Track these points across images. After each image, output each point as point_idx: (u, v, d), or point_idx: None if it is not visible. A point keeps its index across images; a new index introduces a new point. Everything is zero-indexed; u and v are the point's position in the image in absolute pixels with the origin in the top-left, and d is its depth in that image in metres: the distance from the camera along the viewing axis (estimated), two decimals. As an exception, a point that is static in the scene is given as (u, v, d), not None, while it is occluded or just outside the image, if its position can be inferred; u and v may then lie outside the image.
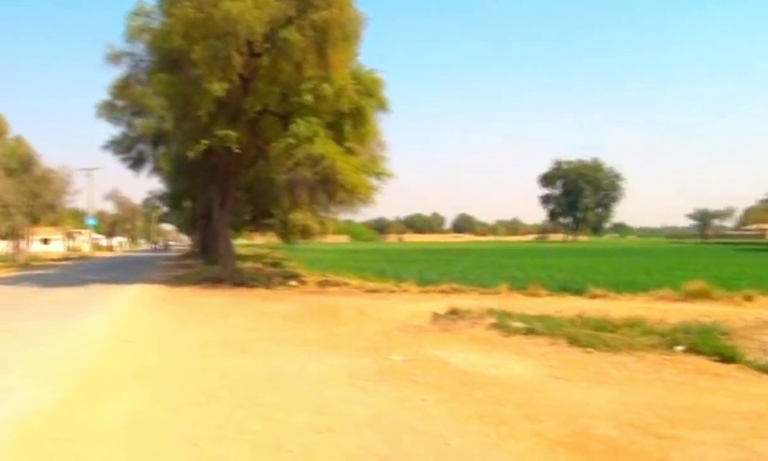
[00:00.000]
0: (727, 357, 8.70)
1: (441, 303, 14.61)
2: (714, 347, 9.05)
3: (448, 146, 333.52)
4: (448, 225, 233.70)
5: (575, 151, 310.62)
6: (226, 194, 28.15)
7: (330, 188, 23.57)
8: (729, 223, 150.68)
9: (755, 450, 5.13)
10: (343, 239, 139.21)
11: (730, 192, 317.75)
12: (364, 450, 5.18)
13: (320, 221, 42.40)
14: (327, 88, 22.63)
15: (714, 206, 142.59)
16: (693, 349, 9.15)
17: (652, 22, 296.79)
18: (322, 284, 23.53)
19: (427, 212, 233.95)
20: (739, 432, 5.61)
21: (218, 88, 21.49)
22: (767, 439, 5.42)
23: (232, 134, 22.94)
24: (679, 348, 9.31)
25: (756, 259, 39.82)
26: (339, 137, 23.82)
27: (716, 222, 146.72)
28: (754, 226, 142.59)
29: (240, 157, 25.28)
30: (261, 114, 25.43)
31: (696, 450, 5.16)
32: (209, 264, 32.04)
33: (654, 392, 7.22)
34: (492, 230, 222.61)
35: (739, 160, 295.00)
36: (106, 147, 38.84)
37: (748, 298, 15.88)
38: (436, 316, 12.95)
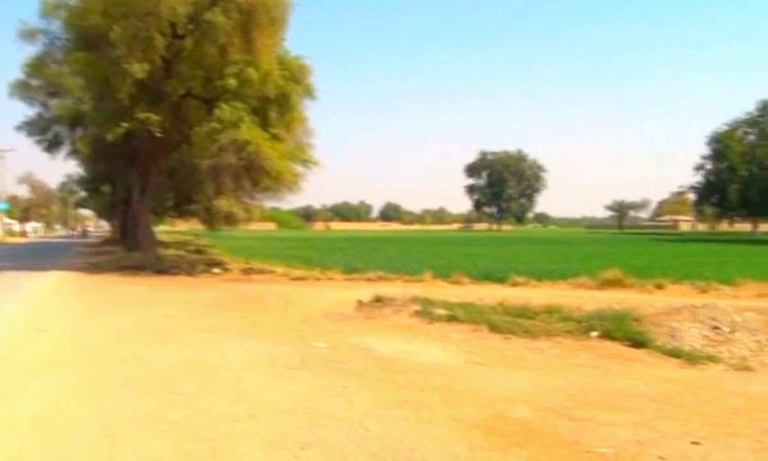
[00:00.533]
0: (638, 342, 9.10)
1: (366, 291, 14.67)
2: (626, 332, 9.44)
3: (375, 133, 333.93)
4: (375, 214, 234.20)
5: (500, 142, 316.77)
6: (147, 179, 27.41)
7: (255, 175, 23.32)
8: (644, 214, 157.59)
9: (660, 430, 5.38)
10: (269, 226, 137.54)
11: (646, 185, 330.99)
12: (284, 437, 5.16)
13: (245, 208, 41.80)
14: (252, 73, 22.30)
15: (630, 197, 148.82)
16: (607, 335, 9.52)
17: (573, 16, 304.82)
18: (247, 271, 23.24)
19: (354, 200, 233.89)
20: (647, 413, 5.86)
21: (139, 69, 20.88)
22: (672, 420, 5.67)
23: (154, 117, 22.35)
24: (594, 333, 9.66)
25: (667, 249, 41.68)
26: (264, 123, 23.53)
27: (632, 213, 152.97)
28: (667, 217, 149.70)
29: (162, 141, 24.68)
30: (184, 98, 24.85)
31: (606, 430, 5.36)
32: (130, 251, 31.14)
33: (569, 376, 7.47)
34: (419, 218, 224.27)
35: (655, 155, 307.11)
36: (19, 128, 37.18)
37: (659, 286, 16.61)
38: (360, 304, 13.00)
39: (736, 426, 5.48)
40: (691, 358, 8.34)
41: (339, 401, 6.25)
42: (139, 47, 20.94)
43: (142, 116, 22.16)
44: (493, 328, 10.20)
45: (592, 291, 16.12)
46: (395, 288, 15.73)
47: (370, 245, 48.30)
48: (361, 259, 27.74)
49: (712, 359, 8.34)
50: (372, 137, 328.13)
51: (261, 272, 22.87)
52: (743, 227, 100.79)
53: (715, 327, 9.59)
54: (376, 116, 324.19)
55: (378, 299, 13.04)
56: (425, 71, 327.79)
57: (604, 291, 16.09)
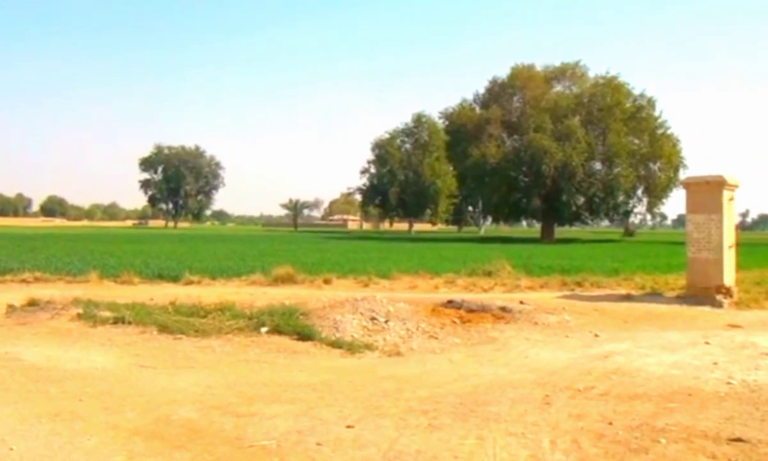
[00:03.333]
0: (305, 335, 9.56)
1: (20, 294, 13.19)
2: (294, 326, 9.85)
3: (37, 121, 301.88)
4: (35, 208, 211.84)
5: (178, 137, 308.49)
6: None
7: None
8: (317, 213, 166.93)
9: (320, 417, 5.70)
10: None
11: (319, 185, 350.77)
12: None
13: None
14: None
15: (305, 197, 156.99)
16: (276, 330, 9.82)
17: (247, 20, 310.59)
18: None
19: (10, 192, 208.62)
20: (309, 403, 6.17)
21: None
22: (331, 407, 6.05)
23: None
24: (264, 329, 9.90)
25: (336, 246, 44.42)
26: None
27: (306, 212, 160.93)
28: (338, 216, 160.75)
29: None
30: None
31: (270, 423, 5.52)
32: None
33: (237, 372, 7.55)
34: (88, 214, 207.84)
35: (327, 159, 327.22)
36: None
37: (327, 281, 17.63)
38: (11, 308, 11.65)
39: (385, 407, 6.04)
40: (351, 347, 9.01)
41: (-25, 421, 5.49)
42: None
43: None
44: (163, 329, 9.89)
45: (265, 288, 16.49)
46: (55, 290, 14.34)
47: (28, 244, 43.29)
48: (15, 258, 24.73)
49: (369, 347, 9.11)
50: (32, 124, 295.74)
51: None
52: (402, 226, 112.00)
53: (373, 318, 10.51)
54: (40, 103, 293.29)
55: (33, 303, 11.79)
56: (99, 59, 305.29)
57: (276, 287, 16.56)
